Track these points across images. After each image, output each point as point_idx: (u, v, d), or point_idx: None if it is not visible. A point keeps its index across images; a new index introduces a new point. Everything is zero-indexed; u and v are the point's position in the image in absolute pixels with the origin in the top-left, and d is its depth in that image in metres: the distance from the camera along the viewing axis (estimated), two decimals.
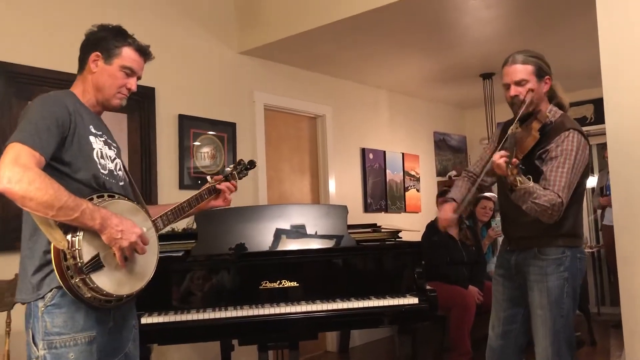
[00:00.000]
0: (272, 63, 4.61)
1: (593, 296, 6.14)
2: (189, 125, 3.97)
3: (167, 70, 3.82)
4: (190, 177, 3.95)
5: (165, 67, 3.79)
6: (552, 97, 2.39)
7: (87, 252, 1.61)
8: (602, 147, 5.80)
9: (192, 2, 4.07)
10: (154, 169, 3.69)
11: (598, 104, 5.54)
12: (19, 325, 2.55)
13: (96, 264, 1.63)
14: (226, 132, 4.20)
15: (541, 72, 2.30)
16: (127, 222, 1.68)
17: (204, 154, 4.06)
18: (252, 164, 2.40)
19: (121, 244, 1.64)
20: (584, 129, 2.37)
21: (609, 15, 2.59)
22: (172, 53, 3.90)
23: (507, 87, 2.33)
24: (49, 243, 1.62)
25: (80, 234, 1.60)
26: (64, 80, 3.18)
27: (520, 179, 2.07)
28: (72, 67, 3.07)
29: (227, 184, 2.20)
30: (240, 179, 2.34)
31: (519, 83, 2.29)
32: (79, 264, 1.59)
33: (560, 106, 2.38)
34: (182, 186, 3.89)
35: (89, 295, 1.63)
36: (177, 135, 3.90)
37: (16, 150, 1.56)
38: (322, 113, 5.05)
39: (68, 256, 1.59)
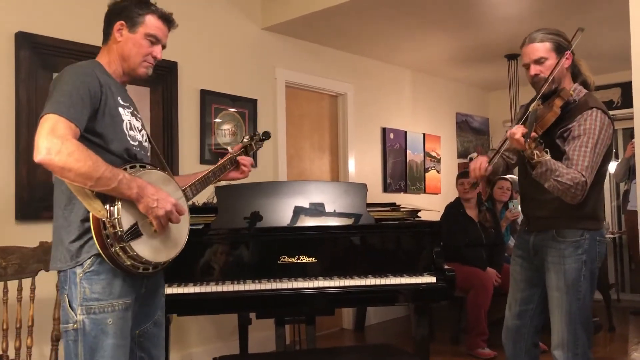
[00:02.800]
0: (294, 39, 4.59)
1: (613, 282, 6.08)
2: (210, 101, 3.98)
3: (189, 45, 3.82)
4: (211, 153, 3.97)
5: (188, 42, 3.79)
6: (576, 75, 2.35)
7: (126, 221, 1.65)
8: (629, 132, 5.70)
9: None
10: (176, 144, 3.72)
11: (626, 87, 5.43)
12: (43, 291, 2.63)
13: (135, 232, 1.67)
14: (247, 108, 4.21)
15: (560, 48, 2.26)
16: (162, 192, 1.72)
17: (225, 131, 4.07)
18: (267, 135, 2.43)
19: (157, 212, 1.68)
20: (611, 112, 2.32)
21: None
22: (195, 28, 3.90)
23: (527, 66, 2.31)
24: (87, 212, 1.65)
25: (119, 203, 1.64)
26: (88, 53, 3.19)
27: (538, 152, 2.03)
28: (97, 40, 3.10)
29: (247, 157, 2.25)
30: (257, 149, 2.37)
31: (538, 61, 2.26)
32: (119, 233, 1.63)
33: (585, 85, 2.33)
34: (202, 161, 3.91)
35: (128, 263, 1.67)
36: (199, 110, 3.92)
37: (52, 121, 1.57)
38: (344, 91, 5.03)
39: (107, 225, 1.63)
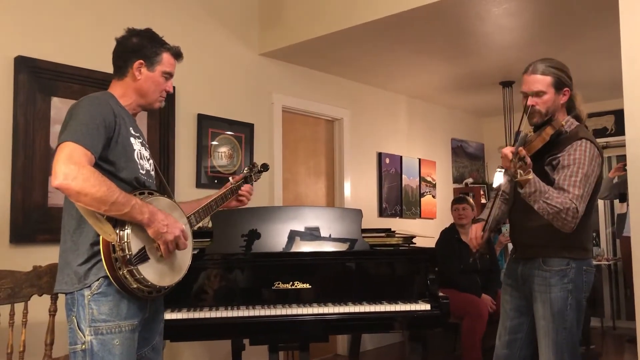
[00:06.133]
0: (292, 65, 4.64)
1: (609, 309, 6.07)
2: (207, 125, 4.00)
3: (188, 70, 3.85)
4: (207, 176, 3.98)
5: (186, 66, 3.77)
6: (571, 108, 2.38)
7: (134, 245, 1.71)
8: (621, 159, 5.75)
9: (215, 2, 4.11)
10: (172, 167, 3.73)
11: (619, 115, 5.48)
12: (35, 316, 2.61)
13: (143, 256, 1.73)
14: (244, 132, 4.23)
15: (560, 84, 2.29)
16: (171, 218, 1.80)
17: (222, 154, 4.09)
18: (265, 167, 2.52)
19: (166, 237, 1.76)
20: (604, 139, 2.35)
21: (632, 27, 2.57)
22: (193, 53, 3.92)
23: (525, 94, 2.33)
24: (96, 236, 1.72)
25: (129, 228, 1.70)
26: (86, 77, 3.25)
27: (522, 170, 2.05)
28: (94, 64, 3.13)
29: (248, 187, 2.34)
30: (255, 180, 2.47)
31: (536, 94, 2.28)
32: (128, 256, 1.69)
33: (578, 119, 2.37)
34: (198, 185, 3.92)
35: (135, 286, 1.73)
36: (195, 134, 3.94)
37: (70, 148, 1.66)
38: (340, 116, 5.06)
39: (117, 248, 1.69)
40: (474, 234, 2.44)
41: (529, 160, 2.05)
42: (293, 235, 2.93)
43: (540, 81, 2.28)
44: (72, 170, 1.61)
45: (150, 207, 1.75)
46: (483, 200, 6.20)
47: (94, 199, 1.63)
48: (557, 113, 2.32)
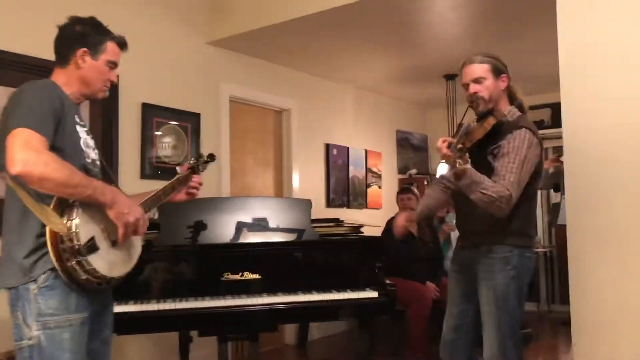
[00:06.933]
0: (239, 55, 4.60)
1: (544, 294, 6.36)
2: (152, 114, 3.92)
3: (132, 58, 3.69)
4: (151, 167, 3.90)
5: (130, 55, 3.64)
6: (512, 99, 2.47)
7: (83, 235, 1.66)
8: (557, 150, 6.00)
9: None
10: (116, 158, 3.63)
11: (555, 108, 5.71)
12: None
13: (92, 246, 1.69)
14: (190, 122, 4.17)
15: (497, 70, 2.39)
16: (130, 201, 1.78)
17: (166, 144, 4.02)
18: (211, 157, 2.47)
19: (128, 218, 1.73)
20: (541, 132, 2.45)
21: (569, 23, 2.69)
22: (139, 40, 3.78)
23: (467, 86, 2.41)
24: (42, 227, 1.67)
25: (77, 218, 1.65)
26: (25, 63, 3.12)
27: (461, 160, 2.12)
28: (34, 51, 3.01)
29: (198, 178, 2.28)
30: (202, 171, 2.40)
31: (477, 80, 2.37)
32: (76, 246, 1.64)
33: (520, 108, 2.46)
34: (143, 175, 3.84)
35: (84, 277, 1.68)
36: (140, 124, 3.85)
37: (25, 134, 1.61)
38: (288, 107, 5.06)
39: (65, 239, 1.64)
40: (397, 221, 2.60)
41: (466, 152, 2.13)
42: (242, 226, 2.93)
43: (479, 68, 2.37)
44: (31, 156, 1.57)
45: (111, 188, 1.74)
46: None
47: (57, 183, 1.59)
48: (500, 102, 2.41)
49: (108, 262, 1.75)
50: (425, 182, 6.48)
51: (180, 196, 2.25)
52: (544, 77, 5.26)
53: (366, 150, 6.00)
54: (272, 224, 2.97)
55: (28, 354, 1.70)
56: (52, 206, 1.65)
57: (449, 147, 2.12)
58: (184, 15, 4.17)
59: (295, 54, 4.70)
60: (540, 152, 2.35)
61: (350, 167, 5.75)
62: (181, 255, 2.73)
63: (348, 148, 5.74)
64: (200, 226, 2.85)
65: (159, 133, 3.96)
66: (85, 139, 1.88)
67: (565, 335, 5.26)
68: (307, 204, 3.05)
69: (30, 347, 1.69)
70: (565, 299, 6.17)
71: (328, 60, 4.92)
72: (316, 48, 4.56)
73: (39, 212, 1.64)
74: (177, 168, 2.29)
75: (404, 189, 4.83)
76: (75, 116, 1.86)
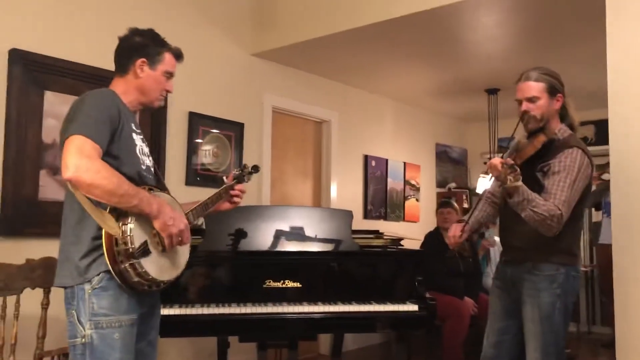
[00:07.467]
0: (282, 66, 4.68)
1: (584, 315, 6.21)
2: (198, 123, 4.02)
3: (180, 68, 3.85)
4: (196, 174, 4.00)
5: (179, 65, 3.83)
6: (564, 115, 2.45)
7: (137, 239, 1.73)
8: (601, 168, 5.88)
9: (208, 2, 4.13)
10: (163, 164, 3.74)
11: (600, 125, 5.61)
12: (27, 309, 2.60)
13: (145, 250, 1.75)
14: (234, 131, 4.26)
15: (553, 90, 2.36)
16: (176, 212, 1.83)
17: (207, 152, 4.11)
18: (256, 169, 2.51)
19: (172, 230, 1.79)
20: None
21: (619, 38, 2.65)
22: (186, 51, 3.89)
23: (520, 102, 2.39)
24: (98, 229, 1.73)
25: (132, 222, 1.72)
26: (79, 72, 3.25)
27: (511, 177, 2.11)
28: (87, 59, 3.14)
29: (241, 186, 2.32)
30: (246, 182, 2.45)
31: (530, 100, 2.34)
32: (130, 249, 1.71)
33: (570, 127, 2.44)
34: (188, 182, 3.94)
35: (135, 279, 1.74)
36: (186, 132, 3.95)
37: (80, 141, 1.68)
38: (328, 118, 5.12)
39: (120, 242, 1.71)
40: (452, 232, 2.51)
41: (517, 169, 2.12)
42: (284, 235, 2.97)
43: (534, 87, 2.34)
44: (83, 163, 1.63)
45: (157, 199, 1.79)
46: (465, 205, 6.30)
47: (105, 191, 1.65)
48: (551, 120, 2.39)
49: (159, 266, 1.80)
50: (465, 197, 6.43)
51: (225, 205, 2.30)
52: (588, 93, 5.18)
53: (405, 163, 6.00)
54: (313, 234, 3.00)
55: (80, 351, 1.77)
56: (108, 210, 1.72)
57: (501, 163, 2.13)
58: (230, 28, 4.27)
59: (337, 67, 4.75)
60: (591, 172, 2.33)
61: (389, 179, 5.76)
62: (225, 260, 2.79)
63: (387, 160, 5.75)
64: (243, 233, 2.90)
65: (204, 141, 4.06)
66: (141, 147, 1.95)
67: (605, 357, 5.14)
68: (348, 215, 3.08)
69: (83, 345, 1.76)
70: (606, 320, 6.06)
71: (369, 73, 4.96)
72: (359, 61, 4.60)
73: (96, 215, 1.70)
74: (224, 178, 2.35)
75: (444, 202, 4.81)
76: (132, 124, 1.93)
